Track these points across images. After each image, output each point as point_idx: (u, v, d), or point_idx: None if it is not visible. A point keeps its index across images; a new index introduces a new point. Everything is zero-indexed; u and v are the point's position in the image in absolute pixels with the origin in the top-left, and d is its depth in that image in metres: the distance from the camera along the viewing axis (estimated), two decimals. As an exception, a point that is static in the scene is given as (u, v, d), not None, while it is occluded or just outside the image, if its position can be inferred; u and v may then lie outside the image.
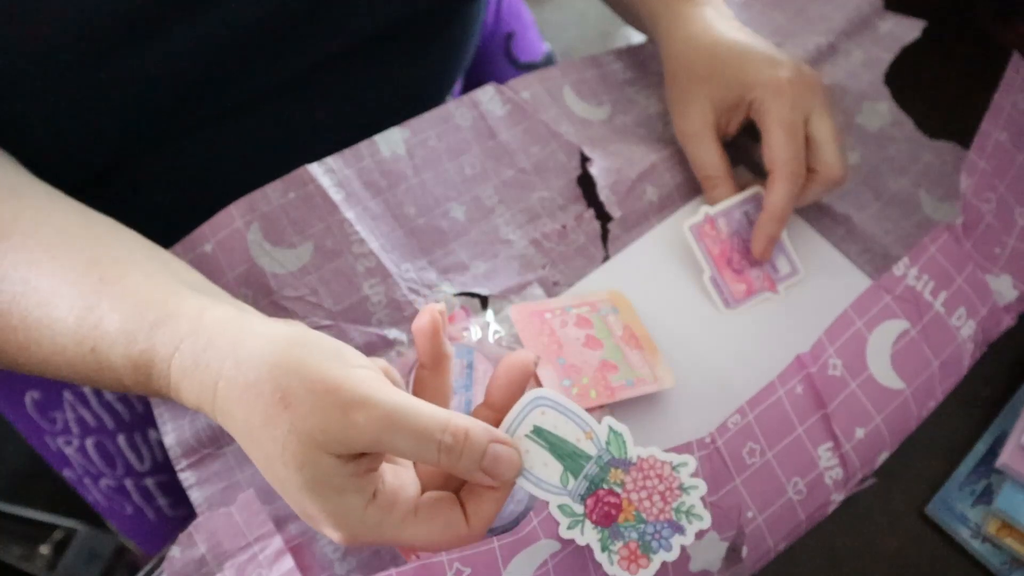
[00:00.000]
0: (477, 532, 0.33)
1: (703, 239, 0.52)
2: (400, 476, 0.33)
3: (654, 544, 0.34)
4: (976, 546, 0.44)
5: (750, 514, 0.40)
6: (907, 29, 0.63)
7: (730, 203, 0.53)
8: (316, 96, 0.56)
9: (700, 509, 0.34)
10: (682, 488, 0.34)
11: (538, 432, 0.33)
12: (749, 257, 0.53)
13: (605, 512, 0.34)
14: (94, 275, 0.37)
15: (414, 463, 0.35)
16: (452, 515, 0.32)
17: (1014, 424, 0.45)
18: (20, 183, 0.41)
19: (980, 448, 0.47)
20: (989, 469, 0.46)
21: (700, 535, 0.39)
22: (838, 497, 0.43)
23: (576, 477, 0.33)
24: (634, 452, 0.34)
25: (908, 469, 0.46)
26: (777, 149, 0.50)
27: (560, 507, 0.34)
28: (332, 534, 0.31)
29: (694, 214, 0.53)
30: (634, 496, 0.34)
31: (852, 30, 0.63)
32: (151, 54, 0.44)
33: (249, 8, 0.46)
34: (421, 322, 0.34)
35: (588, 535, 0.34)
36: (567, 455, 0.33)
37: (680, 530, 0.34)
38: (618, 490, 0.34)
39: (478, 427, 0.31)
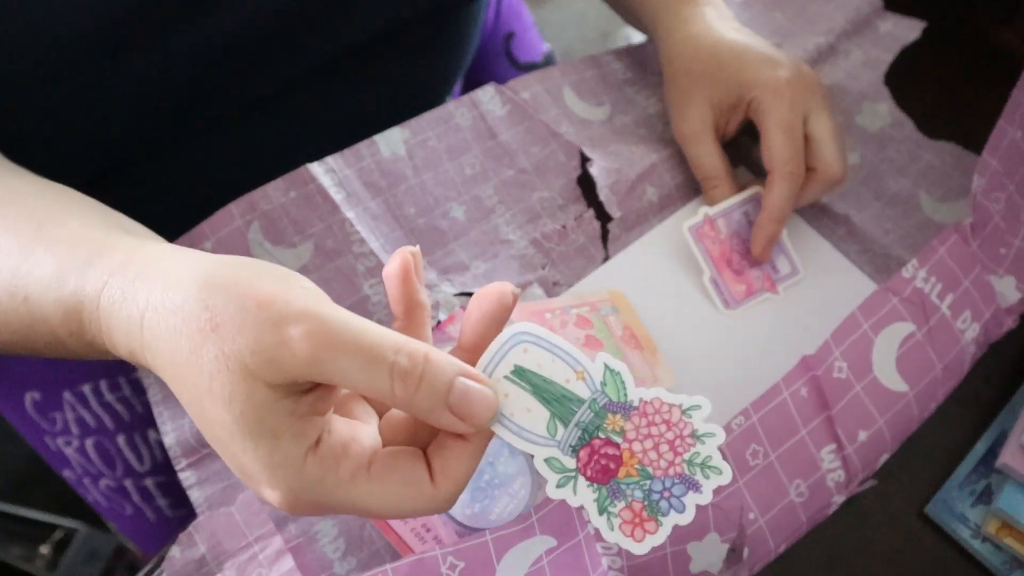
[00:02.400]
0: (444, 495, 0.27)
1: (702, 240, 0.52)
2: (355, 428, 0.28)
3: (663, 504, 0.28)
4: (976, 546, 0.43)
5: (752, 516, 0.40)
6: (907, 29, 0.63)
7: (729, 204, 0.53)
8: (317, 98, 0.56)
9: (718, 460, 0.28)
10: (695, 436, 0.29)
11: (519, 373, 0.28)
12: (749, 257, 0.53)
13: (602, 466, 0.28)
14: (33, 225, 0.34)
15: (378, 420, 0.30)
16: (413, 471, 0.27)
17: (1014, 424, 0.45)
18: None
19: (980, 448, 0.47)
20: (989, 469, 0.46)
21: (718, 491, 0.36)
22: (839, 499, 0.43)
23: (566, 425, 0.28)
24: (635, 394, 0.29)
25: (908, 469, 0.46)
26: (776, 149, 0.50)
27: (547, 460, 0.28)
28: (268, 493, 0.27)
29: (693, 215, 0.53)
30: (637, 447, 0.28)
31: (852, 30, 0.63)
32: (150, 57, 0.44)
33: (247, 12, 0.46)
34: (391, 267, 0.30)
35: (582, 494, 0.28)
36: (555, 399, 0.28)
37: (695, 486, 0.28)
38: (617, 439, 0.28)
39: (442, 355, 0.27)
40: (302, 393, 0.26)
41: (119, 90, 0.44)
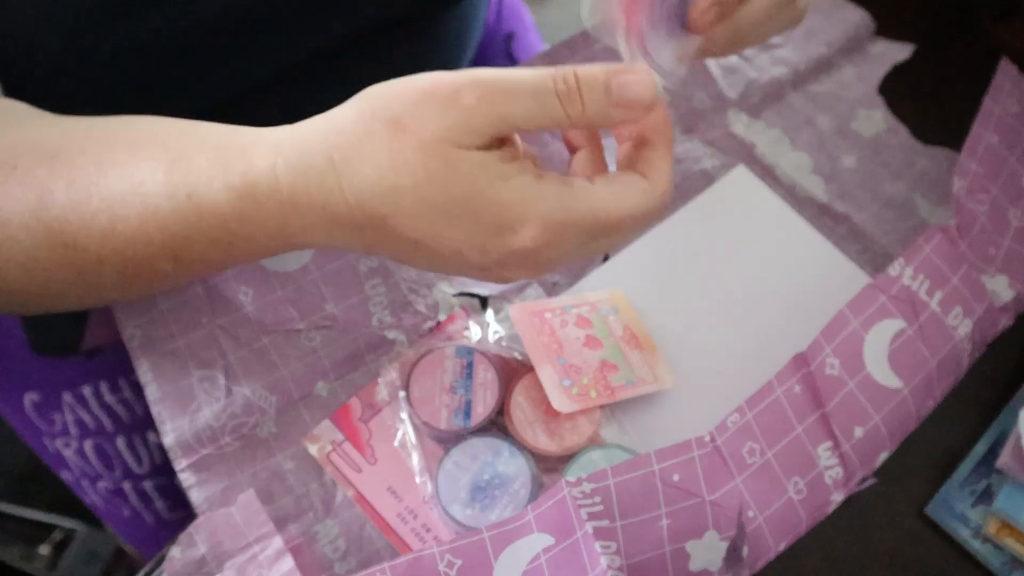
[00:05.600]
0: (659, 190, 0.31)
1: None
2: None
3: None
4: (976, 546, 0.44)
5: (751, 513, 0.40)
6: (897, 51, 0.63)
7: None
8: (312, 92, 0.55)
9: None
10: None
11: None
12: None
13: None
14: (170, 133, 0.34)
15: None
16: (630, 176, 0.31)
17: (1014, 424, 0.45)
18: (56, 115, 0.38)
19: (980, 448, 0.47)
20: (989, 469, 0.46)
21: (717, 489, 0.39)
22: (838, 497, 0.43)
23: None
24: None
25: (908, 469, 0.46)
26: None
27: None
28: (524, 233, 0.30)
29: None
30: None
31: (848, 47, 0.63)
32: (135, 34, 0.43)
33: (220, 3, 0.45)
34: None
35: None
36: None
37: None
38: None
39: (589, 67, 0.30)
40: (500, 145, 0.30)
41: (93, 72, 0.44)
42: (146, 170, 0.33)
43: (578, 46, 0.59)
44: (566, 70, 0.30)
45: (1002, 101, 0.50)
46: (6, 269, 0.35)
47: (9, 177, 0.34)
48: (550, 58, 0.57)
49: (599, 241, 0.32)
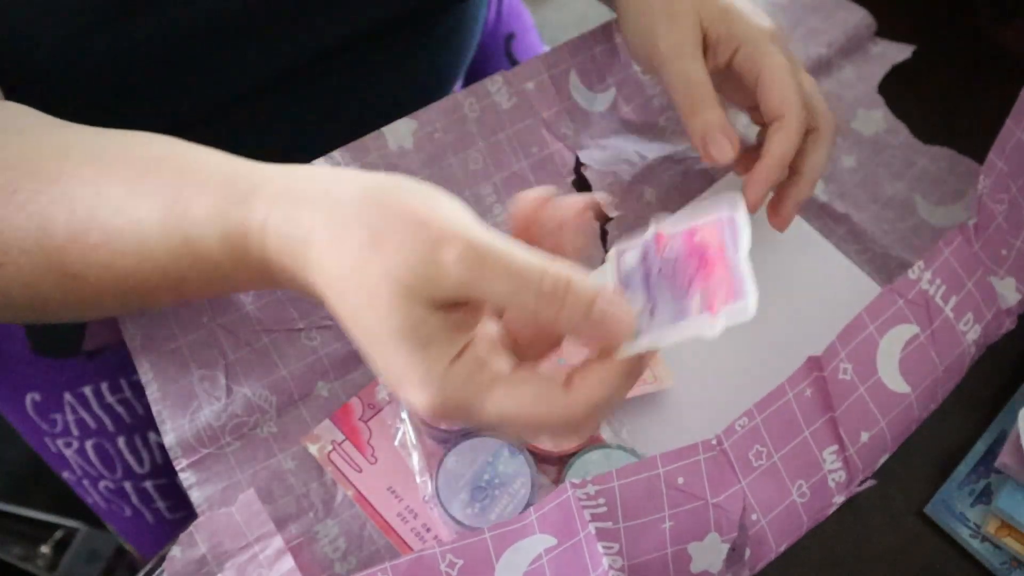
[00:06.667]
0: (578, 408, 0.29)
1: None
2: (496, 348, 0.31)
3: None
4: (976, 546, 0.44)
5: (754, 516, 0.40)
6: (897, 51, 0.63)
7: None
8: (313, 92, 0.55)
9: None
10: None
11: None
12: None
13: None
14: (170, 167, 0.34)
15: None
16: (549, 384, 0.29)
17: (1013, 424, 0.45)
18: (59, 122, 0.38)
19: (980, 448, 0.47)
20: (989, 469, 0.46)
21: (720, 492, 0.39)
22: (839, 499, 0.43)
23: None
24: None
25: (908, 469, 0.46)
26: (787, 90, 0.46)
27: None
28: (415, 395, 0.29)
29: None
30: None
31: (849, 47, 0.63)
32: (133, 34, 0.43)
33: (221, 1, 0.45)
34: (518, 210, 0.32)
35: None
36: None
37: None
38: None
39: (584, 278, 0.29)
40: (454, 307, 0.29)
41: (92, 73, 0.44)
42: (144, 208, 0.33)
43: (579, 48, 0.59)
44: (561, 274, 0.28)
45: None
46: (9, 288, 0.35)
47: (10, 202, 0.34)
48: (547, 62, 0.57)
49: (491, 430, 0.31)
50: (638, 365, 0.31)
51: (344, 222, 0.29)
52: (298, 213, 0.30)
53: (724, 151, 0.47)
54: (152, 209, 0.33)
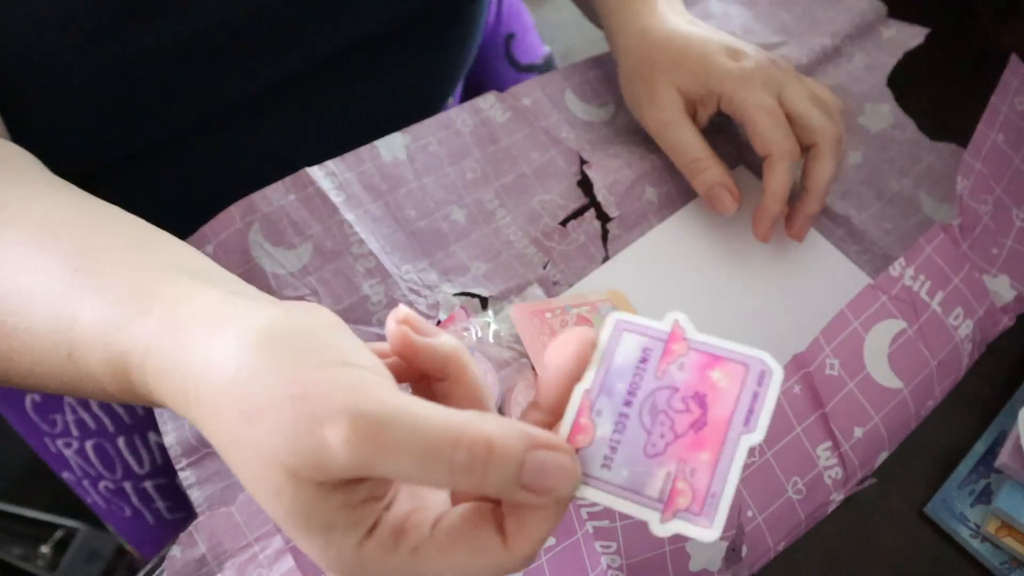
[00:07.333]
0: (521, 556, 0.25)
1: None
2: (418, 496, 0.27)
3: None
4: (976, 546, 0.44)
5: (750, 513, 0.40)
6: (910, 36, 0.63)
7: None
8: (316, 98, 0.56)
9: None
10: None
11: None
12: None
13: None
14: (70, 268, 0.31)
15: None
16: (481, 537, 0.25)
17: (1014, 424, 0.45)
18: (11, 171, 0.36)
19: (979, 448, 0.47)
20: (988, 469, 0.46)
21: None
22: (838, 497, 0.43)
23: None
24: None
25: (908, 469, 0.46)
26: (766, 131, 0.49)
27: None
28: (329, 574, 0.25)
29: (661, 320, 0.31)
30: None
31: (856, 34, 0.63)
32: (128, 48, 0.43)
33: (229, 7, 0.45)
34: (392, 340, 0.28)
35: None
36: None
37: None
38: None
39: (509, 434, 0.24)
40: (354, 484, 0.24)
41: (99, 81, 0.44)
42: (35, 311, 0.31)
43: (571, 73, 0.59)
44: (479, 441, 0.23)
45: (1009, 99, 0.50)
46: None
47: None
48: (541, 83, 0.57)
49: None
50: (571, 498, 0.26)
51: (216, 390, 0.24)
52: (177, 362, 0.26)
53: (727, 205, 0.51)
54: (45, 313, 0.31)
